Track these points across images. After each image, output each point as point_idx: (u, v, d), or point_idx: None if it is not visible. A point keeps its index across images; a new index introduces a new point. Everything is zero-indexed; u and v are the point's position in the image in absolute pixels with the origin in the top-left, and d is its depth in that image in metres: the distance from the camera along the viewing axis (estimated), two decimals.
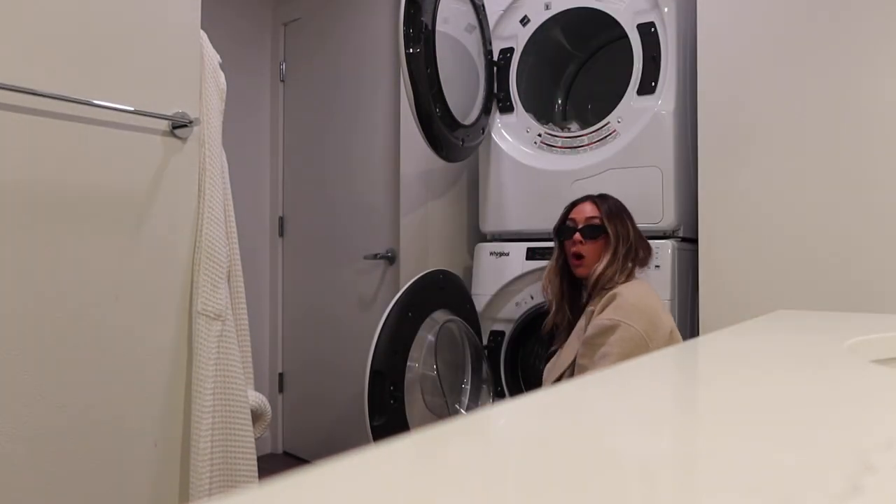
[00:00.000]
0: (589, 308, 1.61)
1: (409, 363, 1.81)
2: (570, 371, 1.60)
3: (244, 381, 1.47)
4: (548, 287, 1.71)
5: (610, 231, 1.62)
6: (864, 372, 0.56)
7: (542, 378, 1.71)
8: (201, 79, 1.46)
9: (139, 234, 1.34)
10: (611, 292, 1.55)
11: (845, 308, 1.58)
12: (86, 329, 1.25)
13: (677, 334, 1.55)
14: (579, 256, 1.62)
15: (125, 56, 1.32)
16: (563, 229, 1.68)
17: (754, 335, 0.80)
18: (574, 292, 1.71)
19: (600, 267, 1.58)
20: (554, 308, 1.70)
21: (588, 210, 1.66)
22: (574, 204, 1.71)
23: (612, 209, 1.66)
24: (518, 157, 2.16)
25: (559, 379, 1.62)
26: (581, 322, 1.62)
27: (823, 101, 1.67)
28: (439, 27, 1.89)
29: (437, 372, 1.90)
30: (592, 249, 1.62)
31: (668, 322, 1.53)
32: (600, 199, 1.69)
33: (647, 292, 1.57)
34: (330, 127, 2.86)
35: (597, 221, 1.63)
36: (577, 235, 1.63)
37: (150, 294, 1.35)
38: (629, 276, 1.60)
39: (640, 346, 1.45)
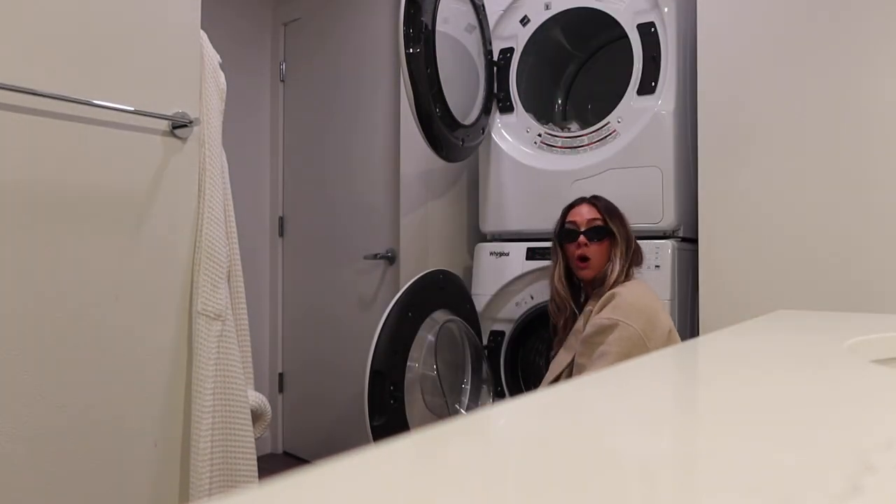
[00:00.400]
0: (587, 308, 1.61)
1: (409, 363, 1.80)
2: (569, 371, 1.60)
3: (244, 381, 1.47)
4: (557, 294, 1.70)
5: (615, 231, 1.62)
6: (864, 372, 0.56)
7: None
8: (201, 79, 1.46)
9: (139, 234, 1.34)
10: (609, 292, 1.55)
11: (845, 308, 1.58)
12: (86, 329, 1.25)
13: (676, 334, 1.55)
14: (584, 259, 1.62)
15: (125, 56, 1.32)
16: (565, 233, 1.67)
17: (754, 335, 0.80)
18: (574, 294, 1.71)
19: (616, 268, 1.58)
20: (561, 312, 1.69)
21: (587, 212, 1.66)
22: (570, 207, 1.71)
23: (610, 209, 1.67)
24: (518, 157, 2.16)
25: (557, 379, 1.62)
26: (579, 322, 1.62)
27: (823, 101, 1.67)
28: (439, 27, 1.89)
29: (437, 372, 1.90)
30: (598, 251, 1.62)
31: (667, 322, 1.53)
32: (595, 200, 1.69)
33: (645, 292, 1.57)
34: (330, 127, 2.86)
35: (599, 223, 1.63)
36: (582, 238, 1.62)
37: (150, 294, 1.35)
38: (628, 276, 1.60)
39: (639, 345, 1.45)
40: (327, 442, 2.80)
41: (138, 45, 1.34)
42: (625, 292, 1.53)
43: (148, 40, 1.35)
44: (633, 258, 1.64)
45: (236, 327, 1.48)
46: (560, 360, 1.63)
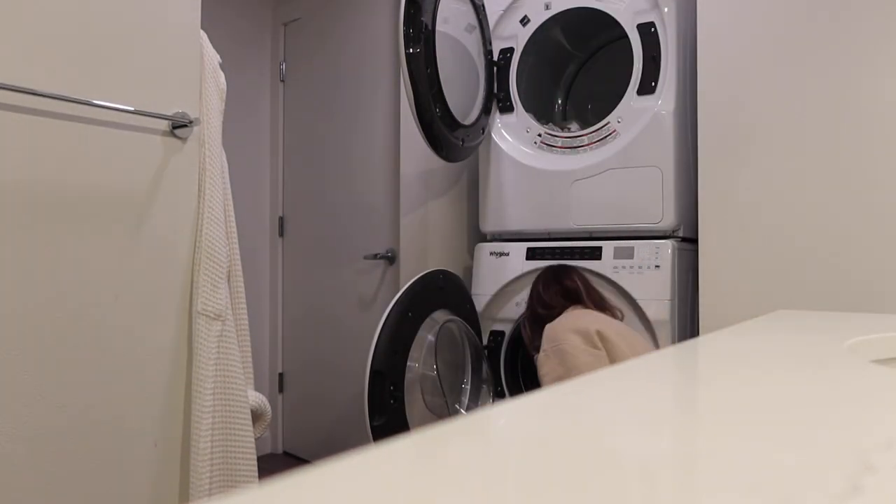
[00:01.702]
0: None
1: (409, 363, 1.81)
2: None
3: (244, 381, 1.47)
4: None
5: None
6: (864, 372, 0.56)
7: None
8: (201, 79, 1.46)
9: (139, 234, 1.34)
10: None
11: (845, 308, 1.58)
12: (86, 329, 1.25)
13: (608, 334, 1.56)
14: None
15: (125, 56, 1.32)
16: None
17: (754, 335, 0.80)
18: None
19: (530, 342, 1.80)
20: None
21: None
22: None
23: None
24: (518, 157, 2.16)
25: None
26: None
27: (823, 101, 1.67)
28: (439, 27, 1.89)
29: (437, 372, 1.90)
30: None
31: (589, 325, 1.58)
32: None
33: (566, 315, 1.67)
34: (330, 127, 2.86)
35: None
36: None
37: (150, 294, 1.35)
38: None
39: (576, 354, 1.54)
40: (327, 442, 2.80)
41: (138, 45, 1.34)
42: (549, 324, 1.66)
43: (148, 40, 1.35)
44: (540, 317, 1.75)
45: (236, 327, 1.48)
46: None
